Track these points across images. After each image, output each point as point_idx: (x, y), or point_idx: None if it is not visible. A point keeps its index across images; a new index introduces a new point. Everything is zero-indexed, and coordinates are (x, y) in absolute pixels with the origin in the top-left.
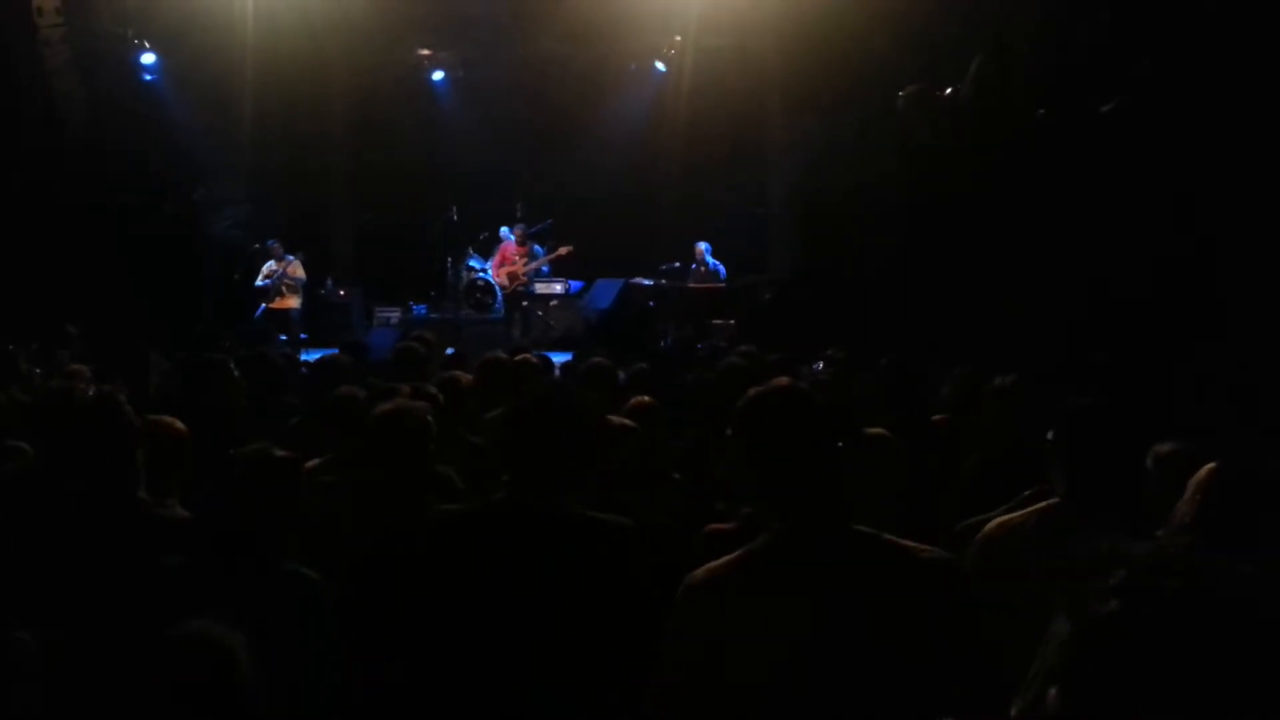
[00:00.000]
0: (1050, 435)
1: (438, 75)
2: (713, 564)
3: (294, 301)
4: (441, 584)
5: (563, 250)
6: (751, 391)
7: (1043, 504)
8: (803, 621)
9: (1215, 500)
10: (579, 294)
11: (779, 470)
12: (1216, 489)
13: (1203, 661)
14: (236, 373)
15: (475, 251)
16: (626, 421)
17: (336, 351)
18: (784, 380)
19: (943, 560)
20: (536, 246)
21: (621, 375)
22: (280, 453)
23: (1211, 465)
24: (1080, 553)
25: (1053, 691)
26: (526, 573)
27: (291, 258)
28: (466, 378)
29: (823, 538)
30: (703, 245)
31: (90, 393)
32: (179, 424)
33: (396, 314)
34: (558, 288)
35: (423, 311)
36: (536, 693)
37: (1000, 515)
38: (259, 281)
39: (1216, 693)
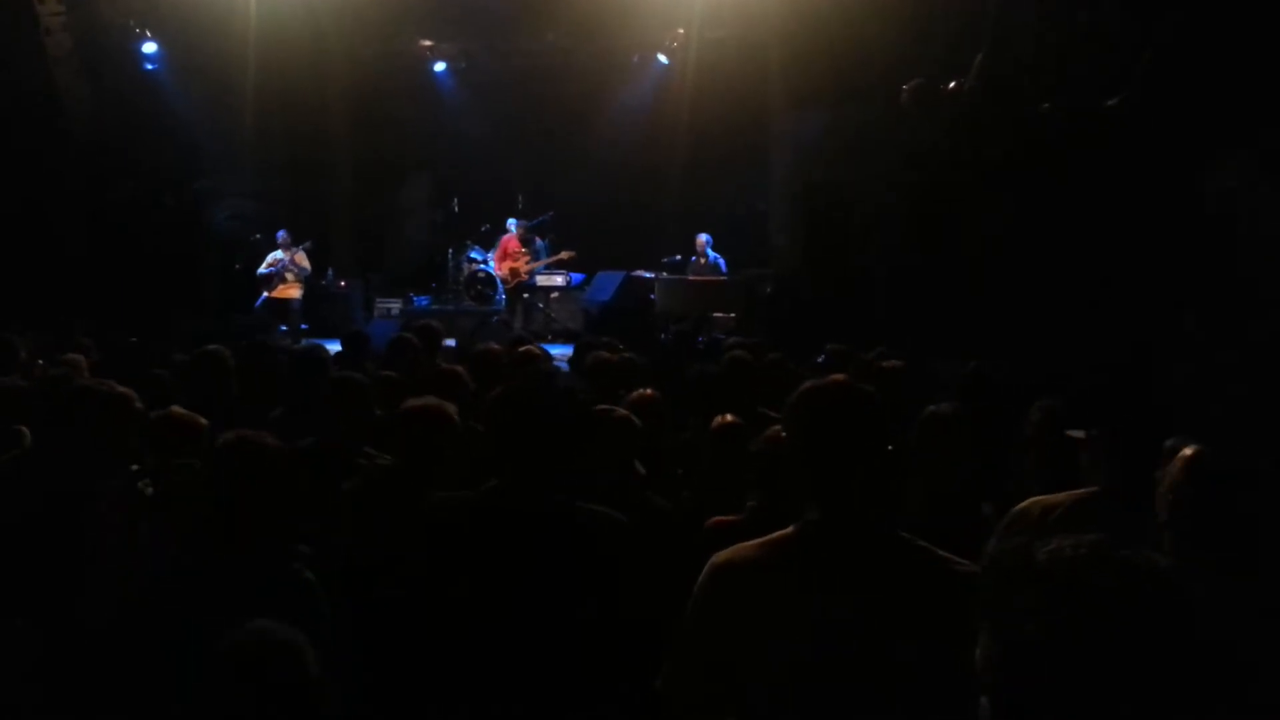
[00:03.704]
0: (1089, 430)
1: (440, 66)
2: (742, 545)
3: (296, 291)
4: (434, 573)
5: (564, 255)
6: (808, 384)
7: (1082, 490)
8: (824, 612)
9: (1185, 495)
10: (580, 286)
11: (824, 463)
12: (1186, 483)
13: (1120, 672)
14: (233, 363)
15: (476, 243)
16: (627, 414)
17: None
18: (840, 377)
19: (977, 575)
20: (540, 241)
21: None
22: (268, 441)
23: (1182, 458)
24: (996, 555)
25: (984, 701)
26: (517, 563)
27: (299, 247)
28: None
29: (856, 535)
30: (704, 236)
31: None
32: (199, 418)
33: (397, 305)
34: (559, 280)
35: (424, 303)
36: (530, 683)
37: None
38: (262, 269)
39: (1138, 699)
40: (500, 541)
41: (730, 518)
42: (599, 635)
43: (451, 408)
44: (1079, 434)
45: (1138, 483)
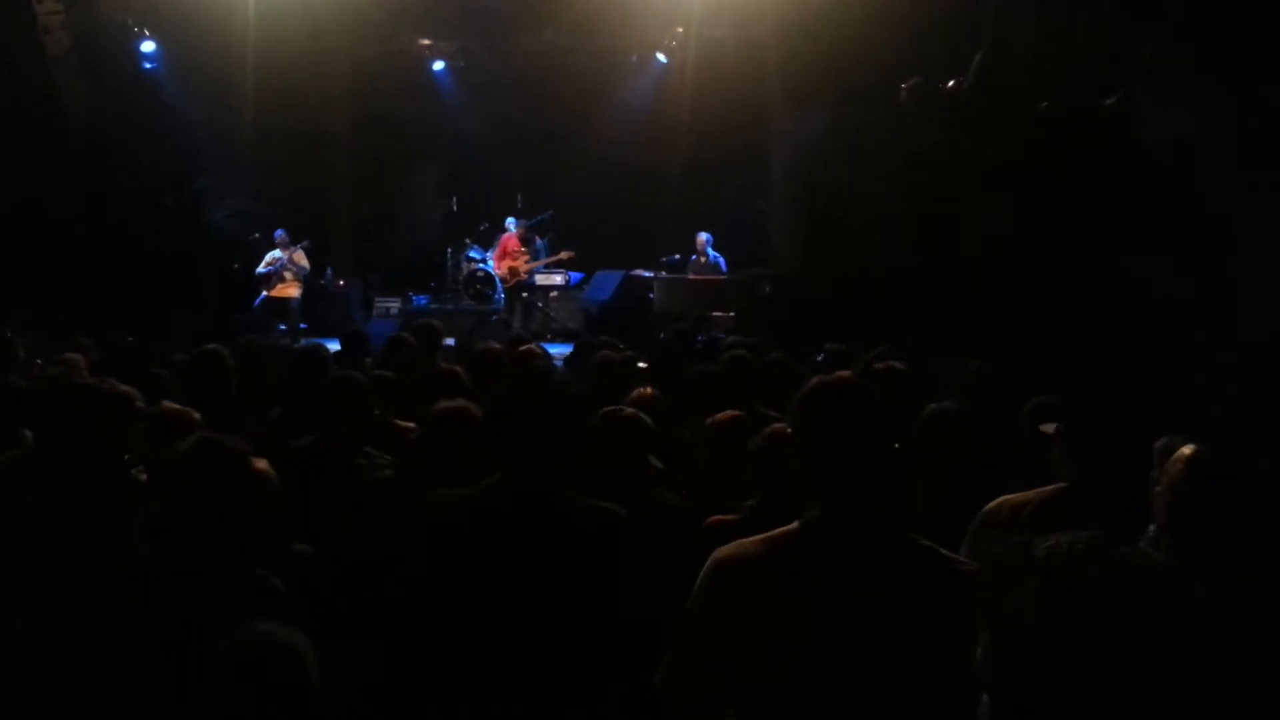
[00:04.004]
0: (1058, 425)
1: (439, 65)
2: (744, 541)
3: (295, 290)
4: (435, 570)
5: (564, 255)
6: (815, 382)
7: (1051, 488)
8: (825, 611)
9: (1184, 495)
10: (579, 285)
11: (829, 460)
12: (1185, 483)
13: (1115, 664)
14: (232, 363)
15: (475, 242)
16: (635, 412)
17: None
18: (847, 374)
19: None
20: (540, 241)
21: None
22: (229, 443)
23: (1181, 458)
24: (994, 554)
25: (985, 700)
26: (515, 558)
27: (297, 246)
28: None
29: (859, 533)
30: (704, 236)
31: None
32: (192, 412)
33: (396, 304)
34: (558, 279)
35: (423, 302)
36: (530, 679)
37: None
38: (261, 268)
39: (1132, 692)
40: (499, 537)
41: (729, 517)
42: (599, 630)
43: (479, 410)
44: (1050, 429)
45: (1106, 478)
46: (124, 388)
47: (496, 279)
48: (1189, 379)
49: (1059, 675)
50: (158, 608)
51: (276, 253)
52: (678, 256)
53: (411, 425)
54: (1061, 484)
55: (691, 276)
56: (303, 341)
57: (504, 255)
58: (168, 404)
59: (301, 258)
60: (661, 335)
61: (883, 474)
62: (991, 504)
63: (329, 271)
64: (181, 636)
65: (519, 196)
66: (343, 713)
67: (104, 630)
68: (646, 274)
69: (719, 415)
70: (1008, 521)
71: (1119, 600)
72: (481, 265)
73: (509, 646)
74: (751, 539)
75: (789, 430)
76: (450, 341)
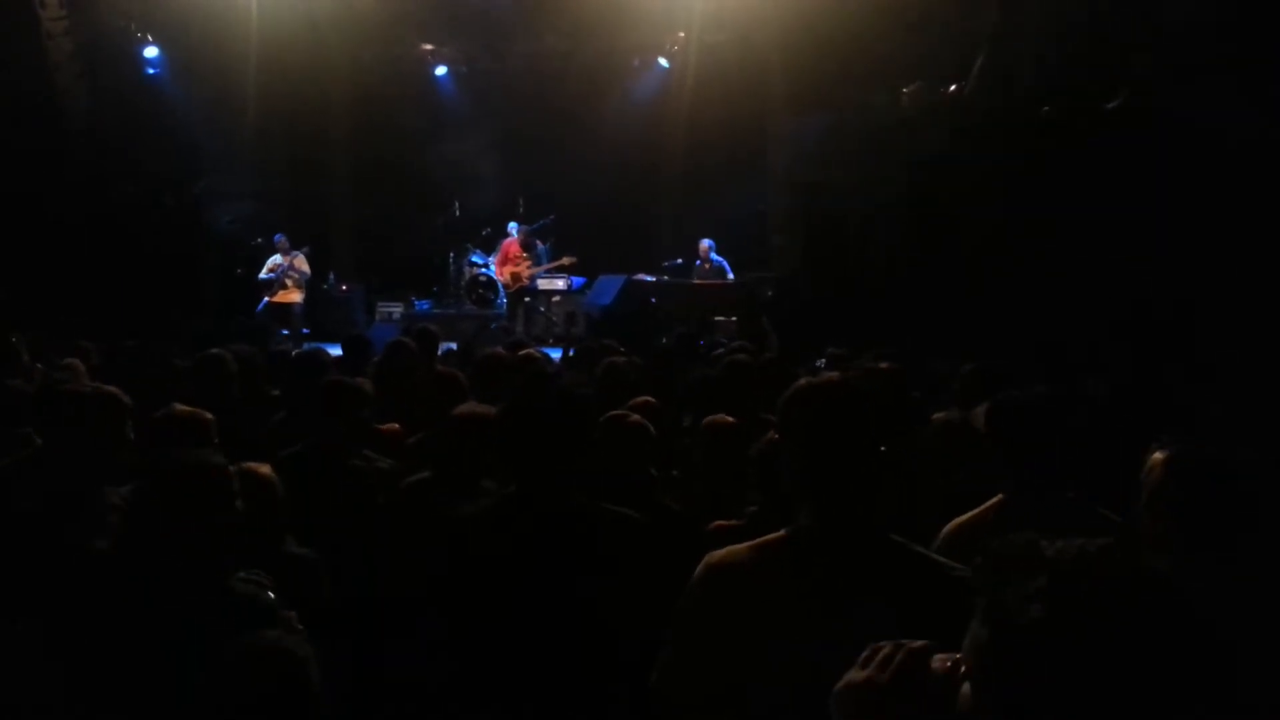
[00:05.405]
0: (984, 431)
1: (441, 70)
2: (735, 546)
3: (297, 296)
4: (459, 578)
5: (565, 260)
6: (803, 382)
7: (996, 499)
8: (814, 616)
9: (1169, 496)
10: (581, 290)
11: (818, 461)
12: (1168, 483)
13: (1119, 667)
14: (234, 367)
15: (477, 247)
16: (641, 420)
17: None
18: (835, 375)
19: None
20: (541, 246)
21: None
22: (216, 460)
23: (1158, 460)
24: (997, 550)
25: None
26: (539, 565)
27: (298, 252)
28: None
29: (849, 538)
30: (707, 242)
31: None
32: (204, 413)
33: (398, 309)
34: (560, 284)
35: (425, 307)
36: (547, 681)
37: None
38: (263, 275)
39: (1133, 698)
40: (520, 548)
41: (731, 522)
42: (615, 636)
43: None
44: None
45: (1043, 486)
46: (110, 388)
47: (498, 284)
48: (1188, 378)
49: (1059, 676)
50: (133, 612)
51: (277, 258)
52: (680, 261)
53: (396, 426)
54: (1000, 497)
55: (695, 281)
56: (305, 346)
57: (506, 260)
58: (179, 406)
59: (302, 263)
60: (664, 340)
61: (874, 475)
62: (947, 530)
63: (331, 276)
64: (154, 643)
65: (521, 201)
66: (344, 715)
67: (99, 632)
68: (648, 278)
69: (714, 418)
70: (969, 544)
71: (1126, 607)
72: (483, 270)
73: (528, 651)
74: (743, 544)
75: (776, 433)
76: (451, 346)
